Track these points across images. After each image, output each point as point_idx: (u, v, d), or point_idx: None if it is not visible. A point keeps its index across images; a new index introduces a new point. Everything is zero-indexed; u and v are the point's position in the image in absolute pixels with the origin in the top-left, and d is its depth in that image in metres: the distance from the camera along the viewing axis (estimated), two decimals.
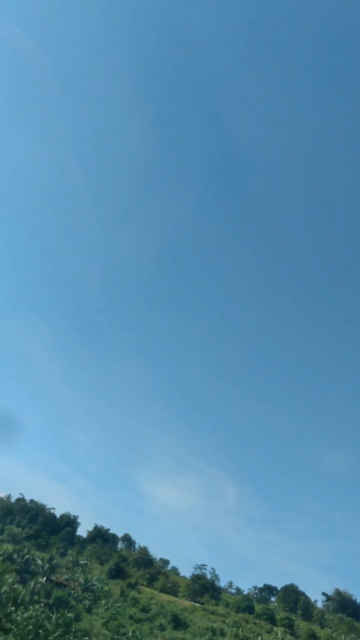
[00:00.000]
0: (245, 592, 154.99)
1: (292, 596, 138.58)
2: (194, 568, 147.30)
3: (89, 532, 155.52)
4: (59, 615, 49.19)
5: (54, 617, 47.92)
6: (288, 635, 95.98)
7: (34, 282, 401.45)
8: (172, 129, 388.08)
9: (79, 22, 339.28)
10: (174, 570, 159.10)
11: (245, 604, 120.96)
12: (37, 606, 51.30)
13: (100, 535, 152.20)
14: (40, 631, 42.91)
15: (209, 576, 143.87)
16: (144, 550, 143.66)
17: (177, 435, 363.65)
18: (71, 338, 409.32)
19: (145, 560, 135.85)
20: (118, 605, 77.66)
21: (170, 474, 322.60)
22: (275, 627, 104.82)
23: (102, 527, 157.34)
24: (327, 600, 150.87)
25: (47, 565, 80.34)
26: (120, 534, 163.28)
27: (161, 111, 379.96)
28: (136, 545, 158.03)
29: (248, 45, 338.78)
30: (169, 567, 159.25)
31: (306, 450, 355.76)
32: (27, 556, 78.04)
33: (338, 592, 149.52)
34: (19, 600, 51.30)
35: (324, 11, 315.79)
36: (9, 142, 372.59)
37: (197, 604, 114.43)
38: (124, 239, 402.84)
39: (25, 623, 43.33)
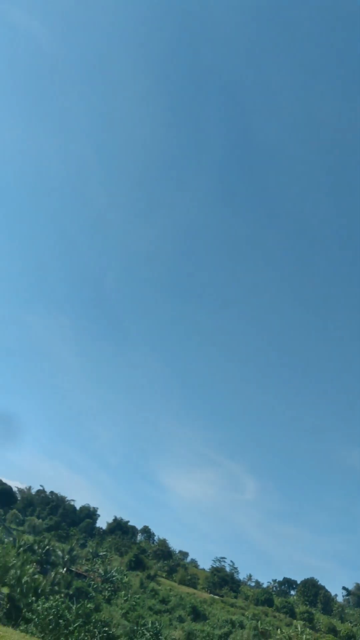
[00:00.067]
0: (265, 585, 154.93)
1: (312, 590, 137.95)
2: (213, 561, 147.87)
3: (109, 524, 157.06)
4: (79, 605, 49.47)
5: (74, 608, 48.19)
6: (308, 629, 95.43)
7: (54, 276, 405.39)
8: (191, 121, 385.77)
9: (97, 13, 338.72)
10: (193, 562, 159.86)
11: (265, 597, 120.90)
12: (57, 596, 51.66)
13: (119, 527, 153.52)
14: (61, 621, 43.12)
15: (228, 569, 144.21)
16: (163, 543, 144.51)
17: (196, 429, 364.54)
18: (91, 331, 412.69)
19: (164, 552, 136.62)
20: (137, 596, 78.15)
21: (190, 467, 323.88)
22: (295, 621, 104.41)
23: (122, 519, 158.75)
24: (347, 595, 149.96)
25: (67, 556, 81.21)
26: (139, 526, 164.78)
27: (181, 103, 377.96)
28: (155, 538, 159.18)
29: (269, 33, 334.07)
30: (188, 559, 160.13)
31: (328, 444, 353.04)
32: (47, 547, 78.89)
33: (359, 587, 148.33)
34: (39, 591, 51.86)
35: None
36: (29, 136, 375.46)
37: (216, 597, 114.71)
38: (143, 232, 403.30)
39: (45, 613, 43.62)
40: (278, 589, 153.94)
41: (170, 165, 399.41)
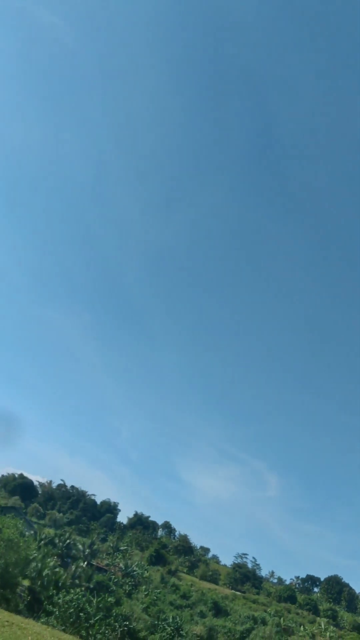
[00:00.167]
0: (287, 582, 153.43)
1: (336, 587, 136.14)
2: (235, 557, 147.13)
3: (129, 519, 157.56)
4: (99, 599, 49.22)
5: (94, 601, 47.95)
6: (331, 627, 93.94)
7: (76, 272, 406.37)
8: (213, 116, 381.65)
9: (118, 9, 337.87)
10: (215, 558, 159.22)
11: (287, 594, 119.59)
12: (78, 590, 51.49)
13: (140, 522, 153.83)
14: (81, 614, 42.89)
15: (250, 565, 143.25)
16: (184, 538, 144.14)
17: (218, 425, 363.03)
18: (113, 327, 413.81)
19: (185, 547, 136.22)
20: (158, 591, 77.73)
21: (212, 463, 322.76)
22: (318, 618, 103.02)
23: (142, 514, 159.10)
24: None
25: (87, 550, 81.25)
26: (160, 522, 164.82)
27: (202, 98, 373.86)
28: (176, 533, 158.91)
29: (294, 28, 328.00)
30: (209, 555, 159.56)
31: (352, 441, 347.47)
32: (68, 541, 79.00)
33: None
34: (60, 584, 51.67)
35: None
36: (51, 133, 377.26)
37: (238, 592, 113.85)
38: (164, 227, 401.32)
39: (66, 606, 43.44)
40: (301, 586, 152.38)
41: (191, 160, 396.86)
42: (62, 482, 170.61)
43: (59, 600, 44.61)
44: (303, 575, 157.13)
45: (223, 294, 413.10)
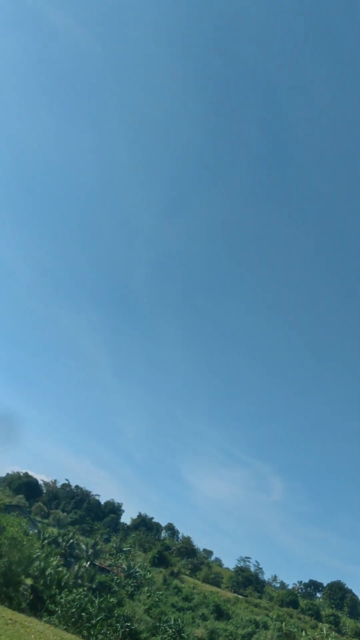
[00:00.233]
0: (290, 587, 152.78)
1: (339, 593, 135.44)
2: (238, 560, 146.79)
3: (133, 520, 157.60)
4: (101, 599, 49.38)
5: (96, 601, 48.11)
6: (333, 632, 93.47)
7: (85, 272, 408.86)
8: (224, 120, 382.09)
9: (134, 12, 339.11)
10: (217, 561, 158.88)
11: (290, 599, 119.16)
12: (80, 590, 51.63)
13: (143, 523, 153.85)
14: (83, 614, 43.06)
15: (252, 569, 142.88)
16: (187, 540, 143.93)
17: (224, 428, 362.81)
18: (120, 328, 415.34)
19: (188, 550, 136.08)
20: (160, 593, 77.79)
21: (216, 466, 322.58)
22: (321, 623, 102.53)
23: (146, 516, 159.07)
24: None
25: (90, 550, 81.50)
26: (163, 523, 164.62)
27: (215, 102, 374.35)
28: (179, 535, 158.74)
29: (305, 32, 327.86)
30: (212, 558, 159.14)
31: (357, 446, 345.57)
32: (71, 540, 79.20)
33: None
34: (62, 583, 51.84)
35: None
36: (61, 135, 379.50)
37: (240, 596, 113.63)
38: (173, 230, 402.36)
39: (68, 605, 43.62)
40: (303, 591, 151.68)
41: (202, 162, 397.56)
42: (66, 482, 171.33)
43: (62, 600, 44.79)
44: (306, 580, 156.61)
45: (231, 296, 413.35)
